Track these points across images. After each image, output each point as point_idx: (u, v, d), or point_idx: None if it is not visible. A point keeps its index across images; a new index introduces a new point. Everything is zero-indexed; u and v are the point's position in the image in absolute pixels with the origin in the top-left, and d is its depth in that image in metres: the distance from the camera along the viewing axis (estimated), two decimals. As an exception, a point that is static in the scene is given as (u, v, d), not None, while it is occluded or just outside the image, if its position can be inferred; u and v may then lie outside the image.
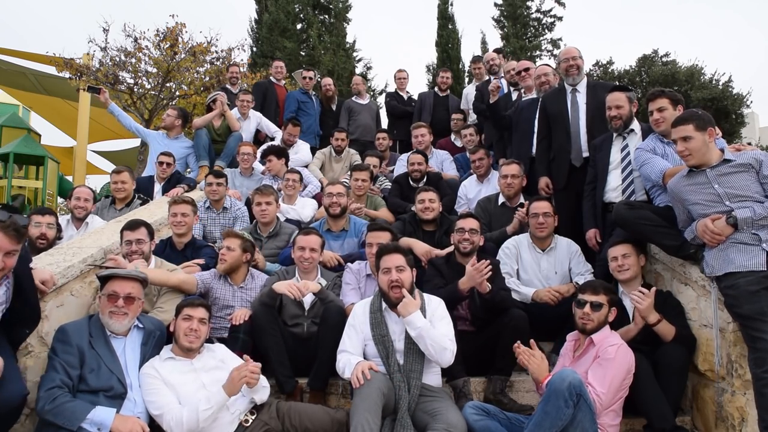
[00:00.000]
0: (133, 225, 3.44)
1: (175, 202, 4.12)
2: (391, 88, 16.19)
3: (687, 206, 3.10)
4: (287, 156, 5.94)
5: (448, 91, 7.66)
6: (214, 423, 2.65)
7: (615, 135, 3.97)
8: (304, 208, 5.20)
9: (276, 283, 3.28)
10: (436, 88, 7.74)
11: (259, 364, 2.71)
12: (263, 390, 2.83)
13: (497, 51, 7.45)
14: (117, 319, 2.73)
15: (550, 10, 19.37)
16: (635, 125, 3.94)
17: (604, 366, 2.69)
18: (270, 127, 7.04)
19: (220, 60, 10.64)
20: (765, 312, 2.63)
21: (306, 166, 6.29)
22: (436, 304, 3.03)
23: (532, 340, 2.78)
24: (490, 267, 3.11)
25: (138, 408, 2.64)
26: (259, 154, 6.13)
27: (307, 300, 3.47)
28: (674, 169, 3.40)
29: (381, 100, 8.23)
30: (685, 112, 3.15)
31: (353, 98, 7.85)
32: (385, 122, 8.43)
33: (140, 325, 2.87)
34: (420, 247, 4.03)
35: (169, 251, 4.04)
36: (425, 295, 3.06)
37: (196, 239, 4.27)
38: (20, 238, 2.39)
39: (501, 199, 4.69)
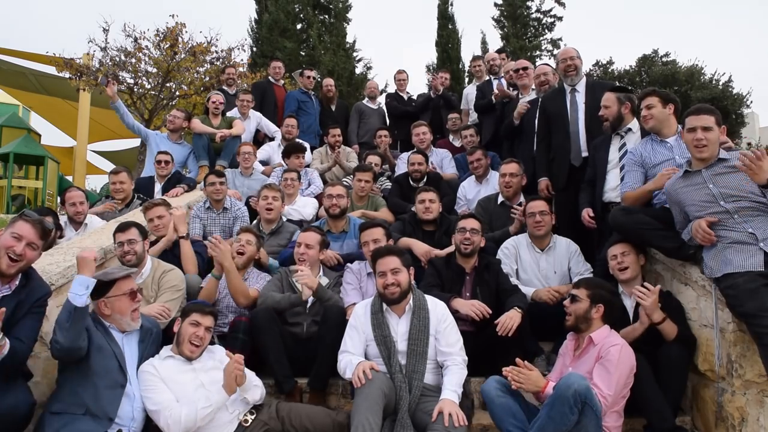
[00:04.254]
0: (123, 227, 3.46)
1: (147, 208, 4.11)
2: (391, 88, 16.26)
3: (683, 208, 3.11)
4: (305, 153, 6.09)
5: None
6: (213, 423, 2.65)
7: (613, 135, 3.98)
8: (305, 207, 5.20)
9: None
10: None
11: (242, 356, 2.74)
12: (254, 389, 2.83)
13: (500, 51, 7.45)
14: (138, 319, 2.80)
15: (550, 10, 19.41)
16: (633, 125, 3.95)
17: (609, 367, 2.67)
18: (270, 126, 7.06)
19: (220, 60, 10.64)
20: (767, 307, 2.62)
21: (307, 166, 6.31)
22: (441, 310, 3.00)
23: (517, 359, 2.69)
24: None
25: (137, 403, 2.65)
26: (259, 154, 6.15)
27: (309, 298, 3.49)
28: (631, 194, 3.57)
29: (380, 100, 8.27)
30: (705, 104, 3.16)
31: (365, 101, 7.89)
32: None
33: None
34: (419, 247, 4.03)
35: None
36: (428, 299, 3.03)
37: None
38: (44, 236, 2.65)
39: (501, 199, 4.69)
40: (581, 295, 2.89)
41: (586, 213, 4.00)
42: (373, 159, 6.02)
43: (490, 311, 3.20)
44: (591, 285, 2.96)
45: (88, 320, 2.64)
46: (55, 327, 2.47)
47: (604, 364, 2.70)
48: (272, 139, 6.99)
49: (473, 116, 7.10)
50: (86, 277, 2.53)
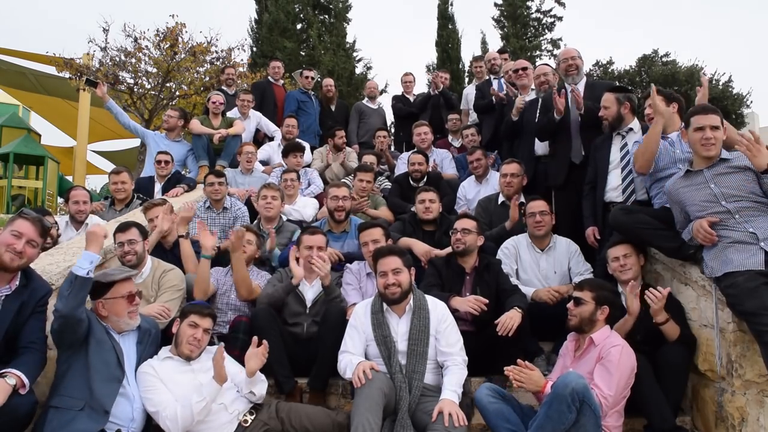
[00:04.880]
0: (123, 227, 3.47)
1: (147, 208, 4.12)
2: (391, 88, 16.32)
3: (684, 208, 3.11)
4: (303, 152, 6.07)
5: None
6: (212, 423, 2.65)
7: (614, 134, 3.98)
8: (306, 208, 5.20)
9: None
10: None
11: (222, 344, 2.78)
12: (261, 383, 2.85)
13: (501, 51, 7.42)
14: (135, 318, 2.80)
15: (550, 10, 19.38)
16: (634, 124, 3.95)
17: (610, 368, 2.67)
18: (270, 126, 7.06)
19: (220, 60, 10.63)
20: (767, 306, 2.61)
21: (308, 166, 6.31)
22: (441, 310, 3.00)
23: (518, 359, 2.70)
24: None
25: (136, 404, 2.66)
26: (259, 154, 6.17)
27: (309, 297, 3.50)
28: (638, 149, 3.51)
29: (380, 100, 8.28)
30: (709, 104, 3.16)
31: (364, 101, 7.90)
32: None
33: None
34: (420, 247, 4.03)
35: (159, 252, 3.99)
36: (429, 299, 3.02)
37: None
38: (44, 234, 2.69)
39: (501, 199, 4.69)
40: (586, 297, 2.88)
41: (592, 233, 3.99)
42: (369, 158, 6.02)
43: (487, 301, 3.19)
44: (594, 286, 2.95)
45: (90, 314, 2.64)
46: (57, 298, 2.50)
47: (604, 364, 2.70)
48: (272, 139, 6.99)
49: (473, 116, 7.09)
50: (93, 253, 2.56)
